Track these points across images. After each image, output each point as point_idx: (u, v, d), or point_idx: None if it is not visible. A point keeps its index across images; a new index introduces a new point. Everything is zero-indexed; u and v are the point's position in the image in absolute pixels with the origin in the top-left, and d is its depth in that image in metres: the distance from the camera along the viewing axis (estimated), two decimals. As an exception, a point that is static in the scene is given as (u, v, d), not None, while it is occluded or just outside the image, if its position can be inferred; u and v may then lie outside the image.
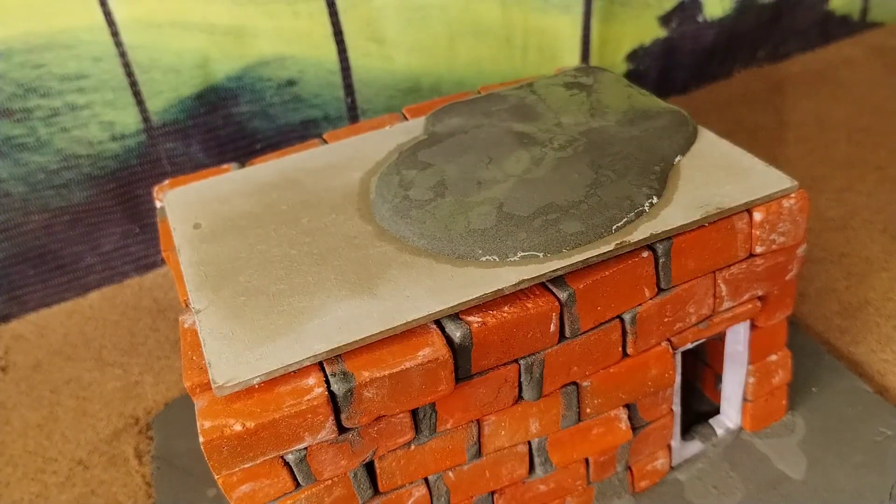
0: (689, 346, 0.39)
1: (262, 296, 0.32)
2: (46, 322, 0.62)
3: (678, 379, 0.40)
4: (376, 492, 0.35)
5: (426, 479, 0.36)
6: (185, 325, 0.33)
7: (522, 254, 0.33)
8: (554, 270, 0.32)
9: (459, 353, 0.31)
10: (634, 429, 0.40)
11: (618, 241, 0.33)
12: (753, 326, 0.41)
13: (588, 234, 0.33)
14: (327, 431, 0.30)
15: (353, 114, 0.66)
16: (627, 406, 0.38)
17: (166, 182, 0.42)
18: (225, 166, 0.42)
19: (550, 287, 0.33)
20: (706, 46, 0.81)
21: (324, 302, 0.32)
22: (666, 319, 0.36)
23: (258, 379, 0.29)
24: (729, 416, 0.45)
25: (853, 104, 0.78)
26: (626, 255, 0.34)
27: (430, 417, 0.33)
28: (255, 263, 0.34)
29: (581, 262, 0.32)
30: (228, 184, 0.40)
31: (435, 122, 0.43)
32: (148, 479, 0.48)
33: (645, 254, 0.34)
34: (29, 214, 0.60)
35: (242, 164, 0.42)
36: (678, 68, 0.81)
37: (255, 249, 0.35)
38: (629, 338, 0.36)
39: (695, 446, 0.44)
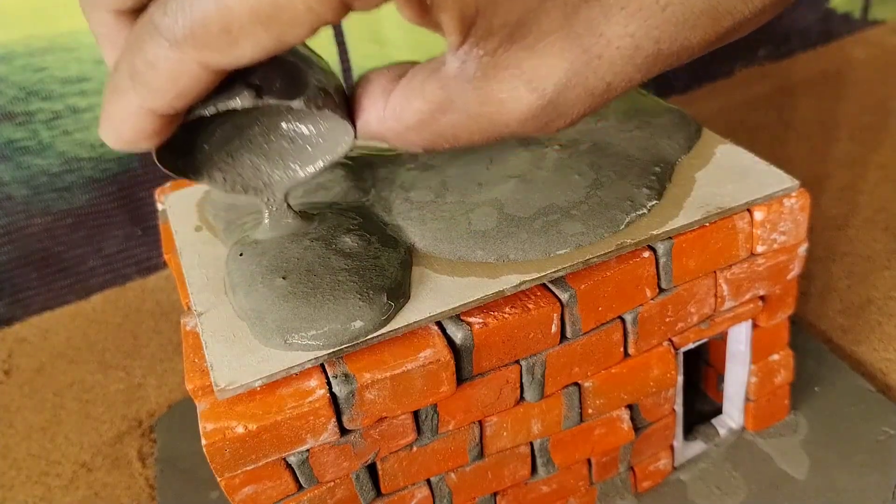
0: (691, 346, 0.39)
1: (264, 298, 0.32)
2: (49, 325, 0.62)
3: (680, 379, 0.40)
4: (378, 493, 0.35)
5: (428, 481, 0.36)
6: (187, 328, 0.33)
7: (523, 254, 0.33)
8: (555, 271, 0.32)
9: (461, 355, 0.31)
10: (636, 429, 0.40)
11: (619, 242, 0.33)
12: (755, 326, 0.41)
13: (589, 235, 0.33)
14: (329, 433, 0.30)
15: (354, 115, 0.66)
16: (629, 406, 0.38)
17: (168, 184, 0.42)
18: (226, 169, 0.42)
19: (551, 288, 0.33)
20: (707, 46, 0.80)
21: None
22: (667, 319, 0.36)
23: (260, 381, 0.29)
24: (731, 415, 0.45)
25: (855, 102, 0.78)
26: (627, 256, 0.34)
27: (432, 419, 0.33)
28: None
29: (582, 262, 0.32)
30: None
31: (435, 123, 0.43)
32: (151, 481, 0.48)
33: (646, 254, 0.34)
34: (31, 218, 0.60)
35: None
36: (679, 68, 0.81)
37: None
38: (631, 338, 0.36)
39: (697, 446, 0.44)
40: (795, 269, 0.39)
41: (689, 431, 0.44)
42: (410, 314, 0.31)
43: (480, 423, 0.35)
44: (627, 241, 0.33)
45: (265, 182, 0.31)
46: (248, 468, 0.30)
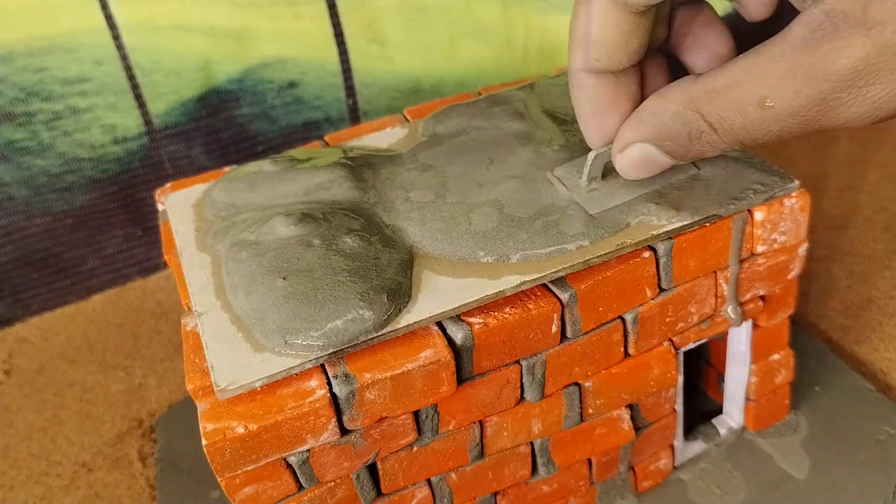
0: (692, 345, 0.39)
1: (264, 298, 0.32)
2: (50, 325, 0.62)
3: (680, 379, 0.40)
4: (379, 493, 0.35)
5: (429, 481, 0.36)
6: (188, 328, 0.33)
7: (524, 255, 0.33)
8: (555, 271, 0.32)
9: (461, 355, 0.31)
10: (637, 429, 0.40)
11: (619, 242, 0.33)
12: (755, 326, 0.41)
13: (589, 235, 0.33)
14: (329, 433, 0.30)
15: (354, 115, 0.66)
16: (630, 406, 0.38)
17: (168, 185, 0.42)
18: (226, 169, 0.42)
19: (552, 288, 0.33)
20: (707, 45, 0.80)
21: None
22: (667, 319, 0.36)
23: (260, 382, 0.29)
24: (732, 415, 0.45)
25: (855, 102, 0.78)
26: (628, 256, 0.34)
27: (433, 419, 0.33)
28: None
29: (582, 262, 0.32)
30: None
31: (436, 123, 0.43)
32: (152, 481, 0.48)
33: (646, 254, 0.34)
34: (32, 218, 0.60)
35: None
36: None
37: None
38: (631, 338, 0.36)
39: (698, 446, 0.44)
40: (796, 269, 0.38)
41: (690, 431, 0.44)
42: (411, 314, 0.31)
43: (481, 422, 0.35)
44: (627, 241, 0.33)
45: None
46: (248, 468, 0.30)
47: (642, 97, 0.31)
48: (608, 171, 0.35)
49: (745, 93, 0.26)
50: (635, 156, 0.30)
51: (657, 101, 0.29)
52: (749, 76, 0.25)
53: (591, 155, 0.34)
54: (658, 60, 0.33)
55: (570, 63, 0.31)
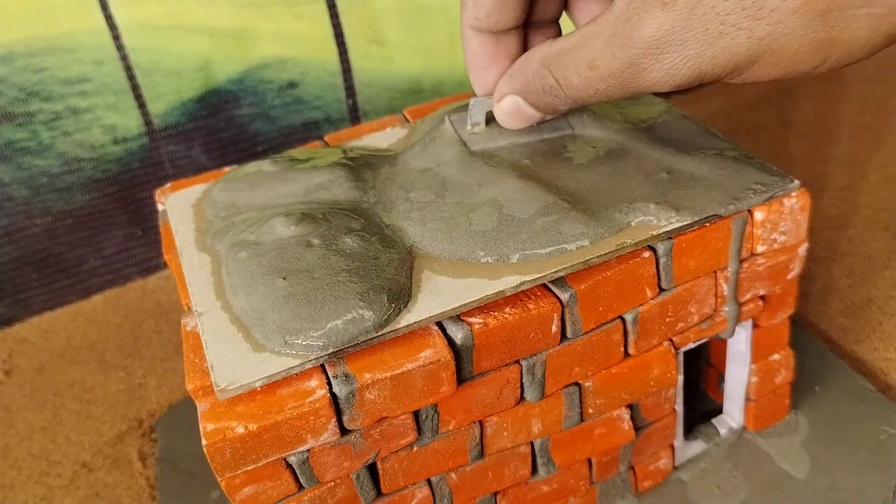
0: (692, 345, 0.39)
1: (264, 298, 0.32)
2: (50, 325, 0.62)
3: (680, 379, 0.40)
4: (379, 493, 0.35)
5: (429, 481, 0.36)
6: (188, 328, 0.33)
7: (524, 255, 0.33)
8: (555, 271, 0.32)
9: (461, 355, 0.31)
10: (637, 429, 0.40)
11: (619, 242, 0.33)
12: (755, 326, 0.41)
13: (589, 235, 0.33)
14: (329, 433, 0.30)
15: (354, 115, 0.67)
16: (630, 406, 0.38)
17: (168, 185, 0.42)
18: (226, 169, 0.42)
19: (552, 288, 0.33)
20: (707, 45, 0.80)
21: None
22: (667, 319, 0.36)
23: (260, 382, 0.29)
24: (732, 415, 0.45)
25: (855, 102, 0.78)
26: (628, 256, 0.34)
27: (433, 419, 0.33)
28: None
29: (582, 262, 0.32)
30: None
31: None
32: (152, 481, 0.48)
33: (646, 254, 0.34)
34: (32, 218, 0.60)
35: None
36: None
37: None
38: (631, 338, 0.36)
39: (698, 446, 0.44)
40: (796, 269, 0.39)
41: (690, 431, 0.44)
42: (411, 314, 0.31)
43: (481, 422, 0.35)
44: (627, 241, 0.33)
45: None
46: (248, 468, 0.30)
47: None
48: (492, 119, 0.37)
49: (580, 55, 0.29)
50: (508, 107, 0.35)
51: (523, 59, 0.33)
52: (585, 41, 0.29)
53: (472, 101, 0.38)
54: (549, 31, 0.37)
55: (461, 19, 0.34)
